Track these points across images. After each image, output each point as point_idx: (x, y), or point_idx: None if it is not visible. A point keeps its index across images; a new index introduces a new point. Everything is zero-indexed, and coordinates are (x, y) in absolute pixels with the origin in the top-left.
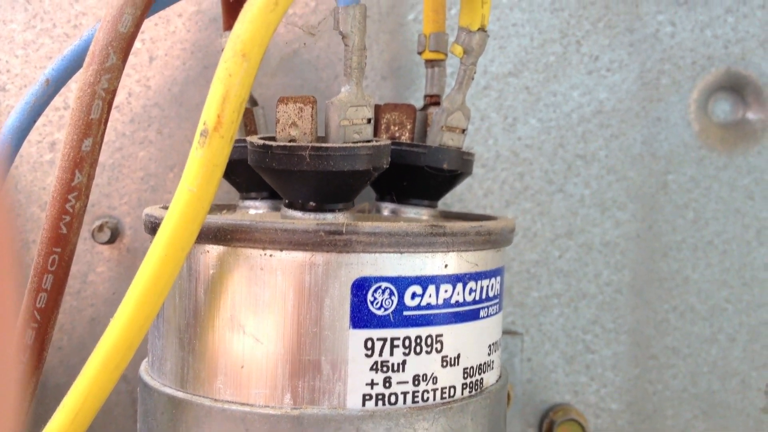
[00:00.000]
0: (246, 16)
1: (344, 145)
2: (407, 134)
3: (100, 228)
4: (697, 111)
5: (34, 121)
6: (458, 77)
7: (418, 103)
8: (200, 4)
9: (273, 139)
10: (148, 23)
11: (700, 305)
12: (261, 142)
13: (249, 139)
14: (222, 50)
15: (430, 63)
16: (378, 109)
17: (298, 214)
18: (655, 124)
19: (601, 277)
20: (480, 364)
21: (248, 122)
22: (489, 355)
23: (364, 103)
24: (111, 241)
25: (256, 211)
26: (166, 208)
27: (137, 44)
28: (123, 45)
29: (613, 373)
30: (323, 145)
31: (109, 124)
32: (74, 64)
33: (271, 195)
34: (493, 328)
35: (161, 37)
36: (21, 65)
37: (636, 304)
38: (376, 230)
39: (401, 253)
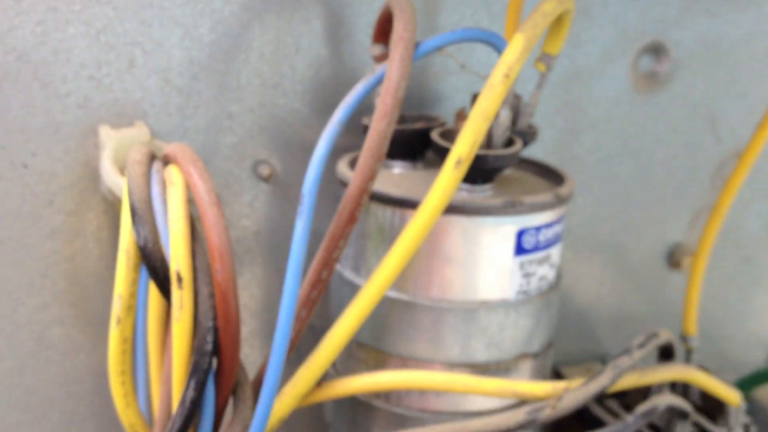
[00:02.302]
0: (470, 126)
1: (505, 151)
2: None
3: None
4: (634, 65)
5: None
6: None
7: None
8: None
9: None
10: None
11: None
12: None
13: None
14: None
15: None
16: None
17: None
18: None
19: None
20: (559, 264)
21: None
22: (560, 257)
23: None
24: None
25: (399, 170)
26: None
27: None
28: None
29: None
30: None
31: None
32: None
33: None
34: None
35: None
36: None
37: None
38: (533, 202)
39: (542, 212)
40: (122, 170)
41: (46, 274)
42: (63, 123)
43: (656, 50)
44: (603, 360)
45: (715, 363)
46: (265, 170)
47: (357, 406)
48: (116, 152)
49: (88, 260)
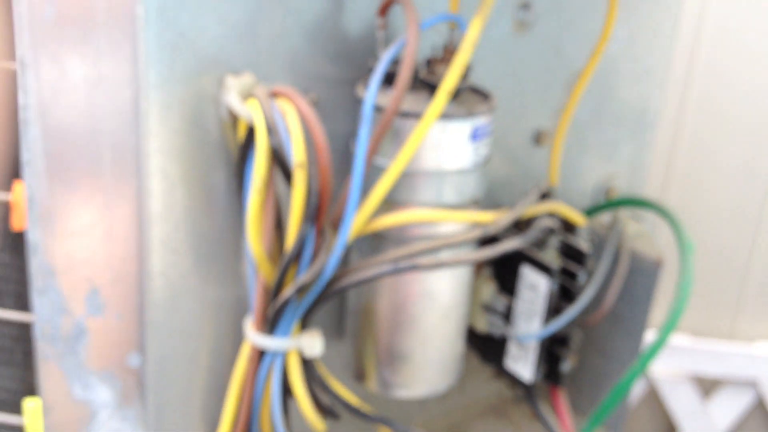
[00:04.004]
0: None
1: (465, 83)
2: None
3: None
4: (513, 16)
5: None
6: None
7: None
8: None
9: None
10: None
11: None
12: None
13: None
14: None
15: None
16: None
17: None
18: (499, 25)
19: None
20: (490, 146)
21: None
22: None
23: None
24: None
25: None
26: None
27: None
28: None
29: None
30: None
31: None
32: None
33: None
34: None
35: None
36: None
37: None
38: (481, 110)
39: (485, 115)
40: (244, 100)
41: (195, 164)
42: (203, 74)
43: (525, 5)
44: (497, 205)
45: None
46: (313, 97)
47: (374, 235)
48: (239, 91)
49: (212, 153)
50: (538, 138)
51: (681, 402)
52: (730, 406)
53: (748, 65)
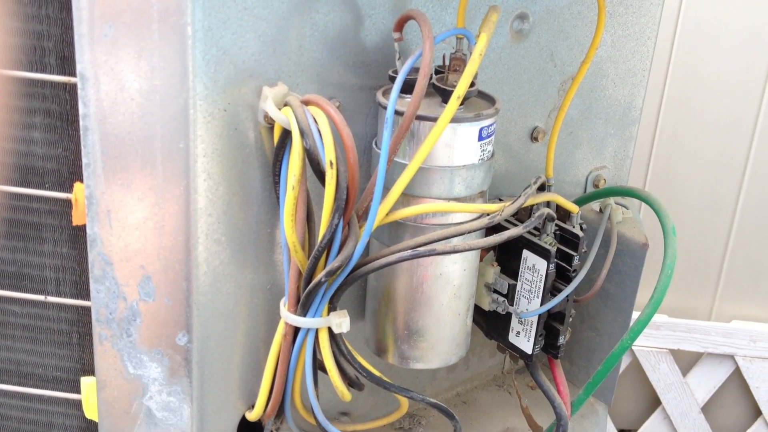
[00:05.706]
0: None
1: (474, 89)
2: None
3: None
4: (511, 27)
5: None
6: None
7: None
8: None
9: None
10: None
11: None
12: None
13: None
14: None
15: None
16: None
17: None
18: (499, 34)
19: None
20: (493, 143)
21: None
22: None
23: None
24: None
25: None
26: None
27: None
28: None
29: None
30: None
31: None
32: None
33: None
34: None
35: None
36: None
37: None
38: (487, 113)
39: (491, 118)
40: (278, 107)
41: (235, 164)
42: (242, 85)
43: (522, 17)
44: (500, 198)
45: None
46: (336, 102)
47: (393, 224)
48: (274, 100)
49: (250, 155)
50: (533, 134)
51: (663, 374)
52: (709, 379)
53: (720, 66)
